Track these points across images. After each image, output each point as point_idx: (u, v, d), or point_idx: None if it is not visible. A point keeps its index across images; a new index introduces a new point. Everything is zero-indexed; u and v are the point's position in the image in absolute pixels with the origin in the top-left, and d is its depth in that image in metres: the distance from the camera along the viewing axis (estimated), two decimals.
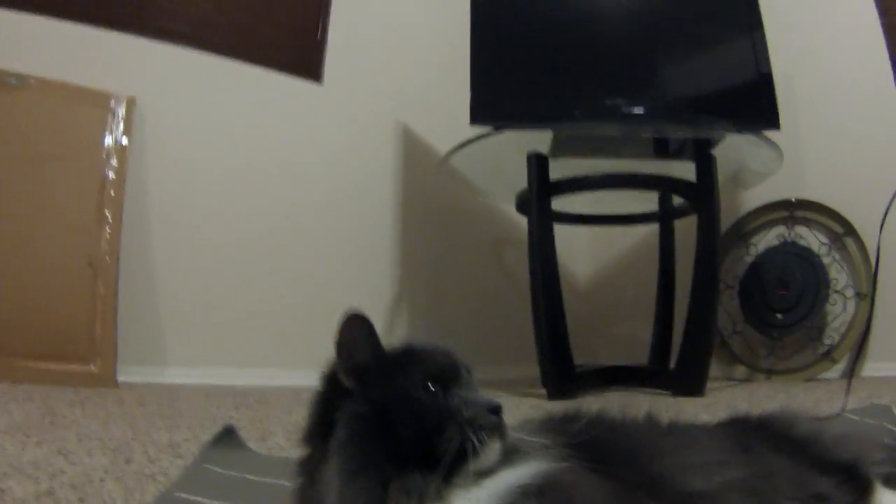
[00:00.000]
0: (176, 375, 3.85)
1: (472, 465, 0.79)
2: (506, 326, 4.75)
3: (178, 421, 2.39)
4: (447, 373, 0.88)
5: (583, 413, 1.10)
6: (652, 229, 4.63)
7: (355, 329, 0.90)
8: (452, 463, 0.78)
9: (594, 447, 0.93)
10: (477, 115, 3.69)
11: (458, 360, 0.93)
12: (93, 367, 3.43)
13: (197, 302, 4.04)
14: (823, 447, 1.17)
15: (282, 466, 1.64)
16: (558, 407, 1.12)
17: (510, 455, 0.83)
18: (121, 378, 3.51)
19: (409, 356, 0.91)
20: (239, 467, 1.61)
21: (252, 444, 1.95)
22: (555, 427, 0.98)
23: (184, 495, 1.36)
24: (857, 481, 1.11)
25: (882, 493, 1.13)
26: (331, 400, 0.89)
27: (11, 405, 2.46)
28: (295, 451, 1.92)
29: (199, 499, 1.35)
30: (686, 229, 4.11)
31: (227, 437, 1.89)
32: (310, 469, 0.89)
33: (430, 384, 0.86)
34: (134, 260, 3.78)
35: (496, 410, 0.83)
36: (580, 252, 5.50)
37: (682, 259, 4.23)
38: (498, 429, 0.83)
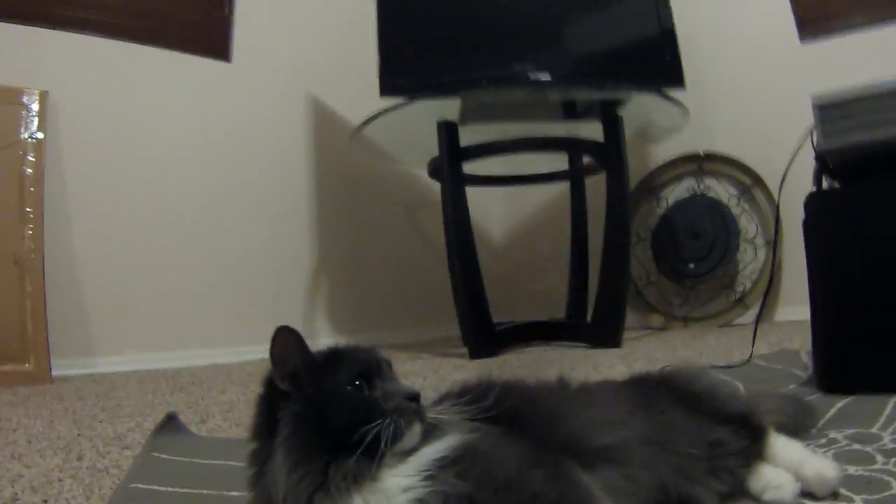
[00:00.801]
0: (108, 364, 3.89)
1: (397, 447, 0.89)
2: (425, 289, 4.84)
3: (119, 411, 2.45)
4: (369, 369, 0.97)
5: (495, 382, 1.19)
6: (563, 187, 4.74)
7: (285, 340, 0.97)
8: (380, 447, 0.87)
9: (508, 415, 1.03)
10: (386, 88, 3.75)
11: (379, 356, 1.02)
12: (27, 366, 3.44)
13: (121, 289, 4.06)
14: (719, 401, 1.28)
15: (224, 448, 1.73)
16: (473, 377, 1.19)
17: (431, 432, 0.94)
18: (55, 373, 3.53)
19: (336, 358, 0.99)
20: (186, 452, 1.69)
21: (193, 428, 2.03)
22: (470, 398, 1.06)
23: (140, 486, 1.43)
24: (750, 429, 1.22)
25: (774, 438, 1.24)
26: (272, 401, 0.98)
27: None
28: (232, 431, 2.01)
29: (155, 487, 1.43)
30: (597, 185, 4.22)
31: (170, 423, 1.96)
32: (259, 460, 0.97)
33: (355, 381, 0.95)
34: (58, 254, 3.79)
35: (414, 398, 0.94)
36: (494, 213, 5.60)
37: (594, 214, 4.34)
38: (417, 413, 0.93)
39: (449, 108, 3.80)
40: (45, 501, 1.40)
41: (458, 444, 0.91)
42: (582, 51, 4.06)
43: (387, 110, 3.80)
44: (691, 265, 4.54)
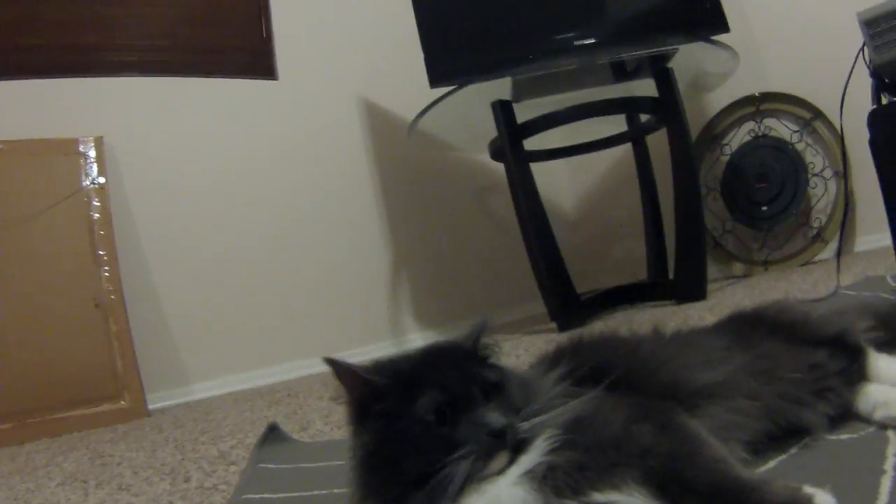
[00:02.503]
0: (203, 390, 3.94)
1: (479, 478, 0.85)
2: (505, 272, 4.82)
3: (220, 431, 2.47)
4: (453, 396, 0.90)
5: (588, 339, 1.19)
6: (626, 151, 4.70)
7: (339, 372, 0.94)
8: (455, 485, 0.83)
9: (606, 370, 1.00)
10: (435, 78, 3.74)
11: (475, 373, 0.94)
12: (123, 403, 3.50)
13: (206, 316, 4.11)
14: (813, 326, 1.26)
15: (329, 449, 1.73)
16: (564, 339, 1.18)
17: (527, 441, 0.88)
18: (151, 406, 3.59)
19: (418, 380, 0.92)
20: (291, 459, 1.70)
21: (295, 437, 2.04)
22: (563, 360, 1.05)
23: (251, 496, 1.44)
24: (848, 349, 1.20)
25: (875, 357, 1.22)
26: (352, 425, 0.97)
27: (58, 458, 2.53)
28: (335, 434, 2.02)
29: (266, 495, 1.44)
30: (659, 143, 4.18)
31: (272, 434, 1.98)
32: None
33: (435, 411, 0.89)
34: (138, 291, 3.84)
35: (499, 434, 0.85)
36: (562, 186, 5.56)
37: (661, 172, 4.29)
38: (501, 447, 0.86)
39: (500, 87, 3.78)
40: None
41: (560, 423, 0.90)
42: (621, 11, 4.03)
43: (439, 100, 3.79)
44: (764, 208, 4.47)
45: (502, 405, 0.91)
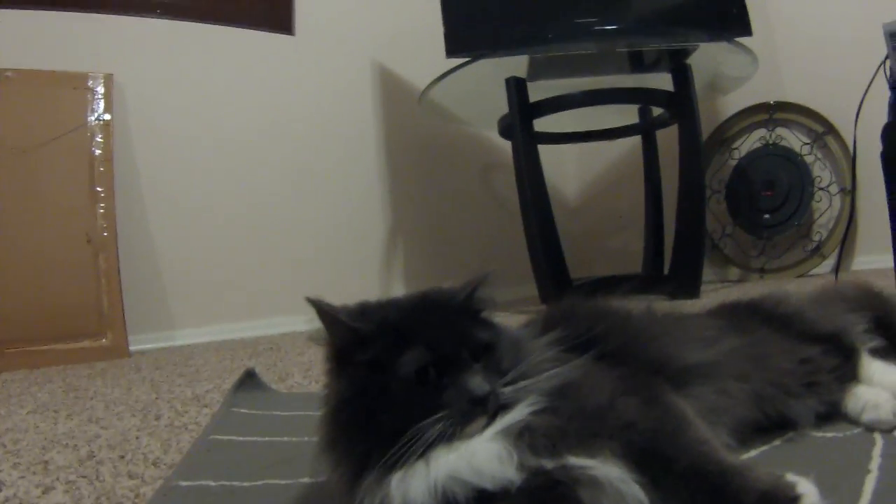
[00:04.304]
0: (186, 336, 3.92)
1: (451, 439, 0.81)
2: (502, 251, 4.79)
3: (198, 376, 2.46)
4: (444, 355, 0.85)
5: (582, 306, 1.16)
6: (634, 143, 4.68)
7: (321, 314, 0.89)
8: (431, 442, 0.80)
9: (595, 340, 0.98)
10: (452, 48, 3.72)
11: (465, 332, 0.90)
12: (105, 341, 3.47)
13: (197, 263, 4.07)
14: (809, 321, 1.23)
15: (305, 401, 1.71)
16: (558, 304, 1.16)
17: (508, 405, 0.85)
18: (133, 348, 3.56)
19: (406, 333, 0.87)
20: (265, 406, 1.69)
21: (273, 387, 2.02)
22: (557, 325, 1.02)
23: (218, 437, 1.43)
24: (842, 349, 1.18)
25: (869, 359, 1.20)
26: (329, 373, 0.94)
27: (33, 388, 2.52)
28: (313, 387, 2.01)
29: (234, 437, 1.43)
30: (668, 139, 4.16)
31: (249, 380, 1.97)
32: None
33: (419, 369, 0.84)
34: (131, 232, 3.81)
35: (479, 401, 0.82)
36: (568, 172, 5.54)
37: (667, 168, 4.28)
38: (480, 414, 0.82)
39: (516, 65, 3.77)
40: (122, 457, 1.40)
41: (545, 389, 0.86)
42: (647, 2, 3.99)
43: (453, 70, 3.77)
44: (767, 216, 4.47)
45: (489, 368, 0.87)
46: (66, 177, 3.60)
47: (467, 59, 3.70)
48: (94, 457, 1.42)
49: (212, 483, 1.14)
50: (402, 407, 0.83)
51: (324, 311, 0.89)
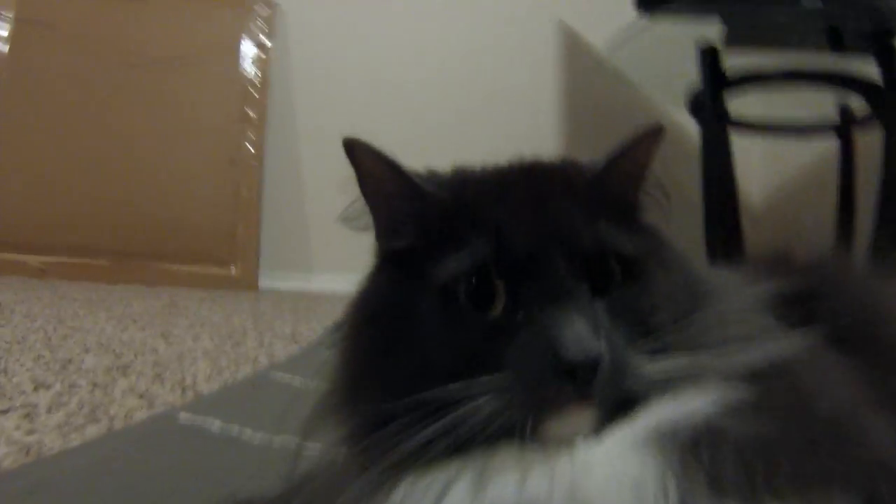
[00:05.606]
0: (323, 281, 3.74)
1: (529, 439, 0.44)
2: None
3: (309, 317, 2.28)
4: (519, 265, 0.48)
5: (799, 256, 0.75)
6: (828, 147, 4.30)
7: (359, 158, 0.59)
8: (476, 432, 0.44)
9: (825, 310, 0.57)
10: (643, 2, 3.45)
11: (578, 230, 0.51)
12: (233, 270, 3.34)
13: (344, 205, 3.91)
14: None
15: None
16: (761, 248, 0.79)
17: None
18: (263, 284, 3.43)
19: (484, 220, 0.52)
20: None
21: None
22: (770, 272, 0.61)
23: (279, 374, 1.23)
24: None
25: None
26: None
27: (135, 301, 2.35)
28: None
29: (295, 377, 1.21)
30: (870, 144, 3.79)
31: None
32: None
33: (464, 281, 0.48)
34: (280, 163, 3.72)
35: (572, 373, 0.43)
36: (754, 171, 5.20)
37: (861, 179, 3.91)
38: (570, 398, 0.43)
39: (708, 28, 3.47)
40: (159, 375, 1.25)
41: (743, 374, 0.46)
42: None
43: (640, 30, 3.49)
44: None
45: (620, 311, 0.48)
46: (218, 96, 3.50)
47: (653, 21, 3.42)
48: (128, 368, 1.27)
49: (217, 423, 0.91)
50: (431, 346, 0.48)
51: (365, 152, 0.59)
